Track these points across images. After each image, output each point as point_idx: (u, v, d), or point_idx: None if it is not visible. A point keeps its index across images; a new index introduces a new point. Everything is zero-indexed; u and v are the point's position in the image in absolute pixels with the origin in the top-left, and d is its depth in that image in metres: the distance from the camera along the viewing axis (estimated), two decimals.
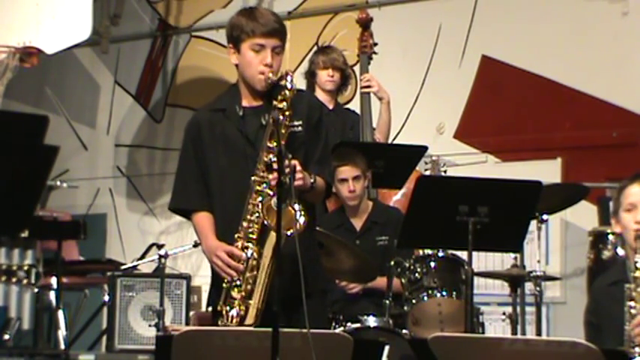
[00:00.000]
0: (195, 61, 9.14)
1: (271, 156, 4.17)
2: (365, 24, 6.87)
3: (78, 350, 7.17)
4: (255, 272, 4.15)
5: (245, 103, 4.37)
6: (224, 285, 4.20)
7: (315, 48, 6.99)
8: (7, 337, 7.04)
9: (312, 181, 4.20)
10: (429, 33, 8.15)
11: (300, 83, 6.73)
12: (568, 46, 7.66)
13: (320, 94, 6.60)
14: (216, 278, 4.28)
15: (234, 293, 4.17)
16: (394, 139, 7.82)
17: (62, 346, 6.97)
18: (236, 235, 4.20)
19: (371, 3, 8.24)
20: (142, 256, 8.09)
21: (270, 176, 4.14)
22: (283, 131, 4.14)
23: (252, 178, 4.19)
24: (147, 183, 9.30)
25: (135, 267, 7.57)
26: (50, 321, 7.33)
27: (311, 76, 6.65)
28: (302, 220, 4.01)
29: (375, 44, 6.90)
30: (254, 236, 4.18)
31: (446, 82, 8.07)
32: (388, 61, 7.58)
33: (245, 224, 4.19)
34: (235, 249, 4.19)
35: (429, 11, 8.19)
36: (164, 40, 9.44)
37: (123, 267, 7.51)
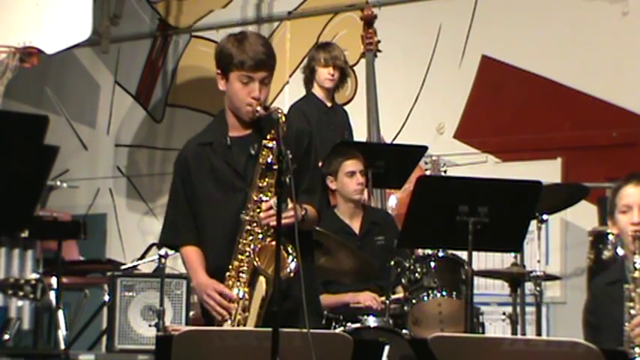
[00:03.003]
0: (195, 61, 9.14)
1: (261, 195, 4.15)
2: (369, 21, 6.87)
3: (78, 350, 7.17)
4: (246, 314, 4.13)
5: (232, 133, 4.33)
6: (215, 324, 4.18)
7: (316, 44, 6.96)
8: (7, 337, 7.04)
9: (303, 213, 4.17)
10: (429, 33, 8.15)
11: (298, 79, 6.74)
12: (568, 46, 7.67)
13: (318, 91, 6.59)
14: (207, 314, 4.28)
15: None
16: (394, 139, 7.84)
17: (62, 346, 6.96)
18: (227, 274, 4.18)
19: (371, 3, 8.24)
20: (142, 256, 8.08)
21: (262, 214, 4.12)
22: (274, 167, 4.11)
23: (242, 216, 4.17)
24: (147, 183, 9.31)
25: (135, 267, 7.57)
26: (50, 321, 7.33)
27: (310, 72, 6.63)
28: (293, 265, 4.01)
29: (379, 41, 6.90)
30: (245, 276, 4.16)
31: (446, 82, 8.08)
32: (388, 61, 7.58)
33: (236, 263, 4.17)
34: (226, 289, 4.16)
35: (429, 11, 8.19)
36: (164, 40, 9.44)
37: (123, 267, 7.51)
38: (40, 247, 6.74)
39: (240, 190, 4.24)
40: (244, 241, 4.16)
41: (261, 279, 4.10)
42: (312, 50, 6.78)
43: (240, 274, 4.16)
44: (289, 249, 4.02)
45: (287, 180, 3.83)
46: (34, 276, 5.93)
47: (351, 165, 5.94)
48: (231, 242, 4.18)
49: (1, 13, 7.78)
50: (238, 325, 4.12)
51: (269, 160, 4.13)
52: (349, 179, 5.93)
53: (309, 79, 6.64)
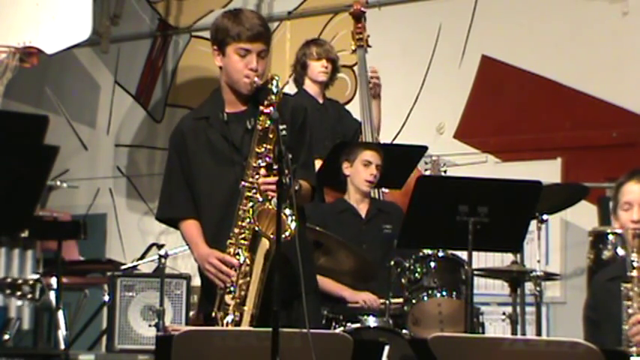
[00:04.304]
0: (195, 61, 9.14)
1: (260, 161, 4.16)
2: (358, 16, 6.81)
3: (78, 350, 7.17)
4: (248, 278, 4.14)
5: (229, 109, 4.35)
6: (218, 291, 4.19)
7: (304, 41, 6.91)
8: (7, 337, 7.04)
9: (297, 187, 4.17)
10: (429, 33, 8.15)
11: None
12: (568, 46, 7.66)
13: (310, 87, 6.55)
14: (207, 284, 4.28)
15: (228, 299, 4.16)
16: (394, 139, 7.84)
17: (62, 346, 6.96)
18: (228, 242, 4.19)
19: (371, 3, 8.23)
20: (142, 256, 8.09)
21: (260, 180, 4.13)
22: (271, 136, 4.14)
23: (242, 183, 4.18)
24: (147, 183, 9.30)
25: (135, 267, 7.57)
26: (50, 321, 7.33)
27: (302, 67, 6.59)
28: (293, 225, 4.01)
29: (368, 36, 6.87)
30: (246, 242, 4.17)
31: (446, 82, 8.07)
32: (388, 61, 7.58)
33: (237, 230, 4.18)
34: (227, 256, 4.17)
35: (429, 11, 8.19)
36: (164, 40, 9.44)
37: (123, 267, 7.52)
38: (40, 247, 6.74)
39: (237, 163, 4.25)
40: (244, 208, 4.17)
41: (263, 241, 4.11)
42: (302, 46, 6.72)
43: (241, 241, 4.17)
44: (287, 210, 4.01)
45: (287, 181, 3.84)
46: (33, 276, 5.92)
47: (370, 155, 5.97)
48: (229, 216, 4.20)
49: (1, 13, 7.78)
50: (240, 291, 4.13)
51: (266, 125, 4.14)
52: (364, 168, 5.95)
53: (301, 75, 6.59)
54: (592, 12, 7.60)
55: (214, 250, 4.23)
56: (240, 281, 4.14)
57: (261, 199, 4.14)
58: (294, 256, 3.79)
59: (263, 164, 4.15)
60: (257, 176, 4.16)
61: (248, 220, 4.15)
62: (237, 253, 4.17)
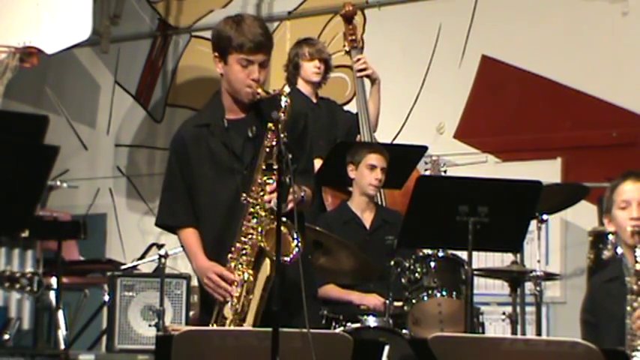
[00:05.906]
0: (195, 61, 9.14)
1: (265, 178, 4.15)
2: (349, 17, 6.78)
3: (78, 350, 7.17)
4: (250, 296, 4.13)
5: (229, 116, 4.33)
6: (216, 304, 4.18)
7: (296, 40, 6.87)
8: (7, 337, 7.04)
9: (302, 194, 4.18)
10: (429, 33, 8.15)
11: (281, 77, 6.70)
12: (568, 46, 7.67)
13: (303, 87, 6.52)
14: (206, 295, 4.27)
15: (226, 313, 4.15)
16: (394, 139, 7.84)
17: (62, 346, 6.97)
18: (229, 256, 4.18)
19: (371, 3, 8.24)
20: (142, 256, 8.09)
21: (266, 197, 4.12)
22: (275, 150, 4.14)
23: (246, 197, 4.16)
24: (147, 183, 9.30)
25: (135, 267, 7.57)
26: (50, 321, 7.33)
27: (294, 68, 6.57)
28: (296, 250, 4.00)
29: (361, 36, 6.82)
30: (250, 259, 4.15)
31: (446, 82, 8.07)
32: (388, 61, 7.58)
33: (238, 245, 4.16)
34: (226, 271, 4.16)
35: (429, 11, 8.19)
36: (164, 40, 9.44)
37: (123, 267, 7.52)
38: (40, 247, 6.73)
39: (238, 172, 4.24)
40: (248, 224, 4.15)
41: (267, 261, 4.10)
42: (294, 46, 6.68)
43: (243, 257, 4.15)
44: (294, 233, 4.01)
45: (287, 180, 3.84)
46: (31, 269, 5.91)
47: (375, 159, 5.95)
48: (228, 224, 4.20)
49: (1, 13, 7.78)
50: (242, 307, 4.12)
51: (273, 143, 4.13)
52: (369, 172, 5.94)
53: (293, 75, 6.57)
54: (592, 12, 7.60)
55: (214, 263, 4.21)
56: (243, 299, 4.13)
57: (265, 218, 4.13)
58: (294, 267, 3.81)
59: (269, 181, 4.14)
60: (262, 192, 4.15)
61: (251, 236, 4.14)
62: (239, 267, 4.16)
